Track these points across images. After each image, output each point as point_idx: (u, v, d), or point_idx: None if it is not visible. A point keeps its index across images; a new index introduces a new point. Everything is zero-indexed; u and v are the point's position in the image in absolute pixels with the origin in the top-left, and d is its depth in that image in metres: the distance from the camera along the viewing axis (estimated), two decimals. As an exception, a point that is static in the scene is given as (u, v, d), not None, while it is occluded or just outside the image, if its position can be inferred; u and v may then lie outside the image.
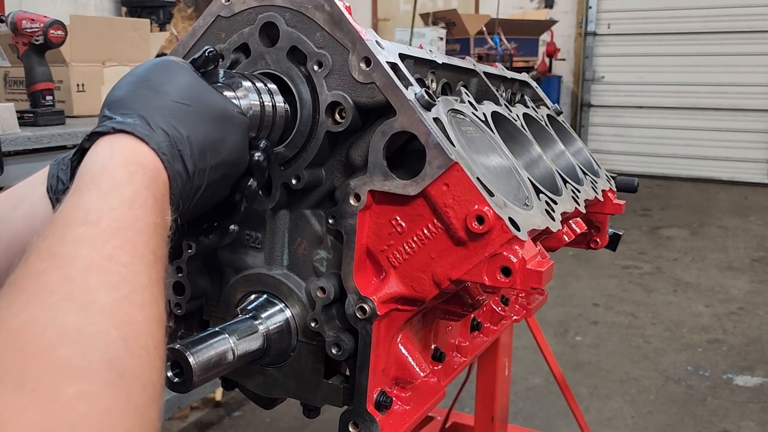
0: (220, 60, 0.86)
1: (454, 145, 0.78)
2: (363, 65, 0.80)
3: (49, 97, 2.53)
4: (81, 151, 0.65)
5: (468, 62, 1.19)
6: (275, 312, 0.87)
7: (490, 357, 1.78)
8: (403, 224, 0.79)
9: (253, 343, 0.82)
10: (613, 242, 1.48)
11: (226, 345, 0.79)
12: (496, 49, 6.80)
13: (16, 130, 2.28)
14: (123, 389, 0.46)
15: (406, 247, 0.80)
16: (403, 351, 0.89)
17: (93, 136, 0.65)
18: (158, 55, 3.04)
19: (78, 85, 2.85)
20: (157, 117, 0.66)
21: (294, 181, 0.85)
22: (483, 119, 1.00)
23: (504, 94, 1.34)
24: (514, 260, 0.74)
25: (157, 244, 0.58)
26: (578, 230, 1.27)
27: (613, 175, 1.51)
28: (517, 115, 1.20)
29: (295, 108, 0.84)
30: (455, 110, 0.93)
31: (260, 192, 0.87)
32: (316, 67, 0.82)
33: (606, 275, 5.02)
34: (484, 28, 7.00)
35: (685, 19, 8.50)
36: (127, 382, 0.46)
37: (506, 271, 0.74)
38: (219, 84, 0.78)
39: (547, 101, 1.53)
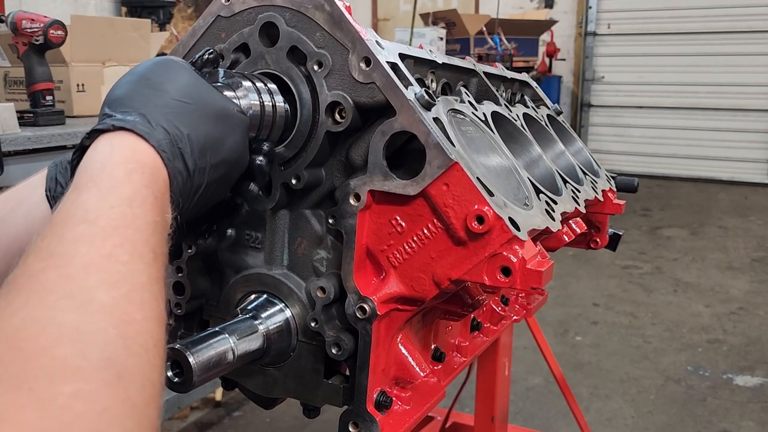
0: (220, 60, 0.87)
1: (454, 145, 0.78)
2: (363, 65, 0.80)
3: (49, 97, 2.53)
4: (81, 150, 0.65)
5: (468, 62, 1.19)
6: (275, 312, 0.87)
7: (490, 357, 1.78)
8: (403, 224, 0.79)
9: (253, 343, 0.82)
10: (613, 242, 1.48)
11: (226, 345, 0.79)
12: (496, 49, 6.80)
13: (16, 130, 2.28)
14: (121, 388, 0.45)
15: (406, 247, 0.80)
16: (403, 351, 0.89)
17: (93, 134, 0.65)
18: (158, 55, 3.03)
19: (78, 85, 2.85)
20: (157, 115, 0.66)
21: (294, 181, 0.85)
22: (483, 119, 1.00)
23: (504, 94, 1.34)
24: (514, 260, 0.74)
25: (157, 242, 0.58)
26: (578, 230, 1.27)
27: (613, 175, 1.51)
28: (517, 115, 1.20)
29: (295, 108, 0.84)
30: (455, 110, 0.93)
31: (260, 192, 0.87)
32: (316, 67, 0.82)
33: (606, 275, 5.02)
34: (484, 28, 7.00)
35: (685, 19, 8.50)
36: (125, 381, 0.46)
37: (506, 271, 0.74)
38: (219, 84, 0.78)
39: (547, 101, 1.53)
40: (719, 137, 8.60)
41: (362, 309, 0.80)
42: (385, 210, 0.80)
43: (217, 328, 0.80)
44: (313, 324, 0.85)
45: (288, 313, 0.87)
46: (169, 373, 0.74)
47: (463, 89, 1.03)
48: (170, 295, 0.95)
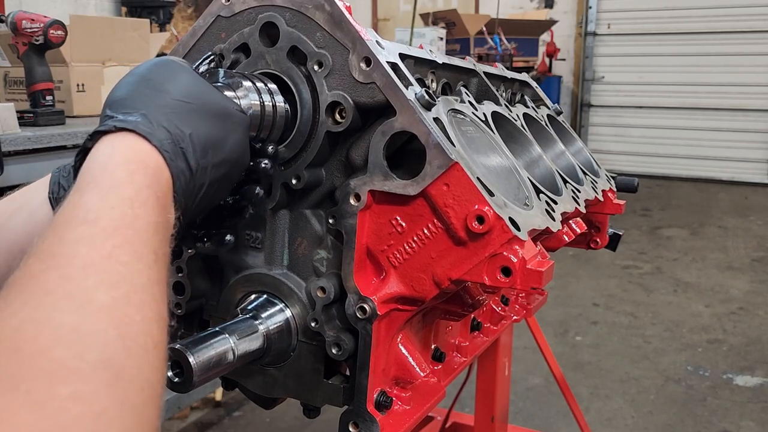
0: (221, 60, 0.87)
1: (454, 145, 0.78)
2: (363, 65, 0.80)
3: (49, 97, 2.53)
4: (84, 152, 0.66)
5: (468, 62, 1.19)
6: (275, 312, 0.87)
7: (490, 357, 1.78)
8: (404, 224, 0.79)
9: (253, 343, 0.82)
10: (613, 242, 1.48)
11: (226, 345, 0.79)
12: (496, 49, 6.80)
13: (16, 130, 2.27)
14: (119, 390, 0.45)
15: (407, 247, 0.80)
16: (403, 351, 0.89)
17: (95, 136, 0.65)
18: (158, 55, 3.04)
19: (78, 85, 2.85)
20: (158, 115, 0.66)
21: (294, 181, 0.85)
22: (483, 119, 1.00)
23: (504, 94, 1.34)
24: (514, 260, 0.74)
25: (158, 243, 0.58)
26: (578, 230, 1.27)
27: (613, 175, 1.51)
28: (517, 115, 1.20)
29: (295, 108, 0.84)
30: (455, 110, 0.93)
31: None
32: (316, 67, 0.82)
33: (606, 275, 5.02)
34: (484, 28, 7.00)
35: (685, 19, 8.50)
36: (123, 383, 0.46)
37: (506, 271, 0.74)
38: (219, 84, 0.78)
39: (547, 101, 1.53)
40: (719, 137, 8.60)
41: (362, 309, 0.80)
42: (385, 210, 0.80)
43: (217, 328, 0.80)
44: (313, 324, 0.85)
45: (288, 313, 0.87)
46: (170, 373, 0.74)
47: (463, 89, 1.03)
48: (170, 295, 0.95)
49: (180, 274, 0.94)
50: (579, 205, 1.11)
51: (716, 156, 8.63)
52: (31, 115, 2.48)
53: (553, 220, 0.92)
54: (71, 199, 0.57)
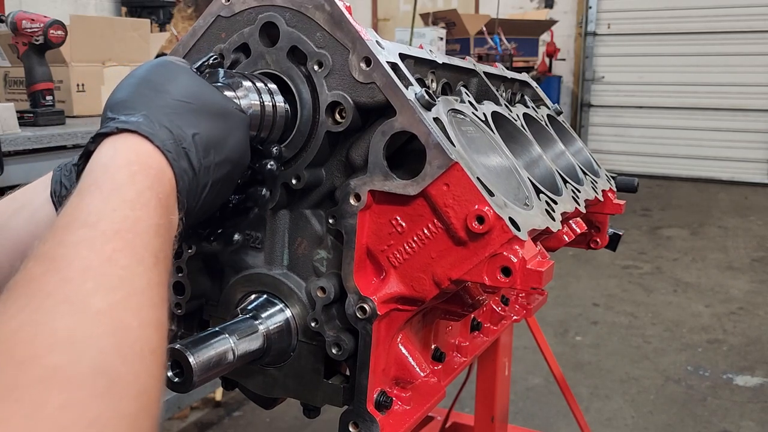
0: (222, 60, 0.87)
1: (454, 145, 0.78)
2: (363, 65, 0.80)
3: (49, 97, 2.53)
4: (86, 154, 0.65)
5: (468, 62, 1.19)
6: (275, 312, 0.87)
7: (490, 357, 1.78)
8: (404, 224, 0.79)
9: (253, 343, 0.82)
10: (613, 242, 1.48)
11: (226, 345, 0.79)
12: (496, 49, 6.80)
13: (16, 130, 2.27)
14: (112, 398, 0.45)
15: (407, 247, 0.80)
16: (403, 351, 0.89)
17: (97, 138, 0.65)
18: (158, 55, 3.04)
19: (78, 85, 2.85)
20: (160, 115, 0.66)
21: (294, 181, 0.85)
22: (483, 119, 1.00)
23: (504, 94, 1.34)
24: (515, 260, 0.74)
25: (160, 246, 0.58)
26: (578, 230, 1.27)
27: (613, 175, 1.51)
28: (517, 115, 1.20)
29: (295, 108, 0.84)
30: (455, 110, 0.93)
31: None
32: (316, 67, 0.82)
33: (606, 275, 5.02)
34: (484, 28, 7.00)
35: (685, 19, 8.50)
36: (117, 390, 0.45)
37: (506, 271, 0.74)
38: (219, 84, 0.78)
39: (547, 101, 1.53)
40: (719, 137, 8.60)
41: (362, 309, 0.80)
42: (385, 210, 0.80)
43: (217, 328, 0.80)
44: (313, 324, 0.85)
45: (288, 313, 0.87)
46: (170, 373, 0.74)
47: (463, 89, 1.03)
48: (170, 295, 0.95)
49: (180, 274, 0.94)
50: (579, 205, 1.11)
51: (716, 156, 8.63)
52: (31, 115, 2.48)
53: (553, 220, 0.92)
54: (72, 201, 0.57)
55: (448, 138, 0.78)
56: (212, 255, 0.94)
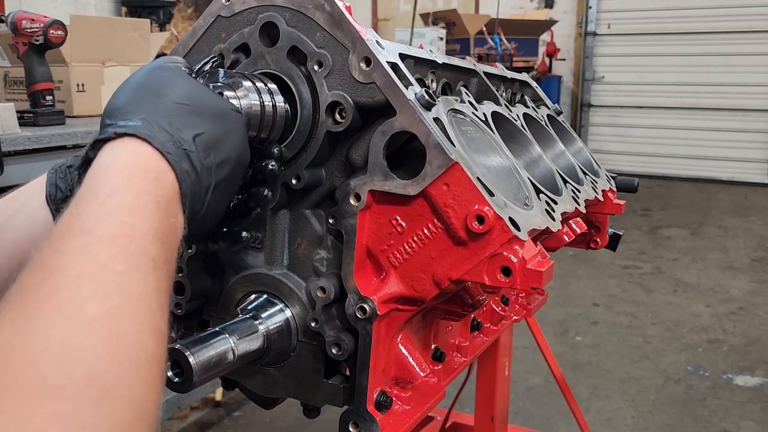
0: (222, 61, 0.87)
1: (454, 145, 0.78)
2: (363, 65, 0.80)
3: (49, 97, 2.53)
4: (86, 162, 0.65)
5: (468, 62, 1.19)
6: (275, 312, 0.87)
7: (490, 357, 1.78)
8: (404, 224, 0.79)
9: (253, 343, 0.82)
10: (613, 242, 1.48)
11: (226, 345, 0.79)
12: (496, 49, 6.80)
13: (16, 130, 2.27)
14: (104, 407, 0.44)
15: (407, 247, 0.80)
16: (403, 351, 0.89)
17: (96, 145, 0.64)
18: (158, 55, 3.04)
19: (78, 85, 2.85)
20: (158, 118, 0.66)
21: (294, 181, 0.85)
22: (483, 119, 1.00)
23: (504, 94, 1.34)
24: (515, 260, 0.74)
25: (158, 250, 0.57)
26: (578, 230, 1.27)
27: (613, 175, 1.51)
28: (517, 115, 1.20)
29: (295, 108, 0.84)
30: (455, 110, 0.93)
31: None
32: (316, 67, 0.82)
33: (606, 275, 5.02)
34: (484, 28, 7.00)
35: (685, 19, 8.50)
36: (109, 400, 0.45)
37: (506, 271, 0.74)
38: (219, 84, 0.78)
39: (547, 101, 1.53)
40: (719, 137, 8.60)
41: (362, 309, 0.80)
42: (385, 210, 0.80)
43: (217, 328, 0.80)
44: (313, 324, 0.85)
45: (288, 313, 0.87)
46: (170, 373, 0.74)
47: (463, 89, 1.03)
48: (170, 295, 0.95)
49: (180, 274, 0.94)
50: (579, 205, 1.11)
51: (716, 156, 8.63)
52: (31, 115, 2.48)
53: (553, 220, 0.92)
54: (69, 210, 0.56)
55: (448, 138, 0.78)
56: (212, 255, 0.94)
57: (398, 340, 0.88)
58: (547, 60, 8.61)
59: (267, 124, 0.81)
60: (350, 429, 0.83)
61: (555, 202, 0.98)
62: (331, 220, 0.85)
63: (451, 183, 0.75)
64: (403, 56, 0.89)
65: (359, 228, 0.80)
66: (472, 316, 1.12)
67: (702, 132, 8.69)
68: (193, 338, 0.77)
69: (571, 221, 1.27)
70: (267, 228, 0.90)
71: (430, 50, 1.05)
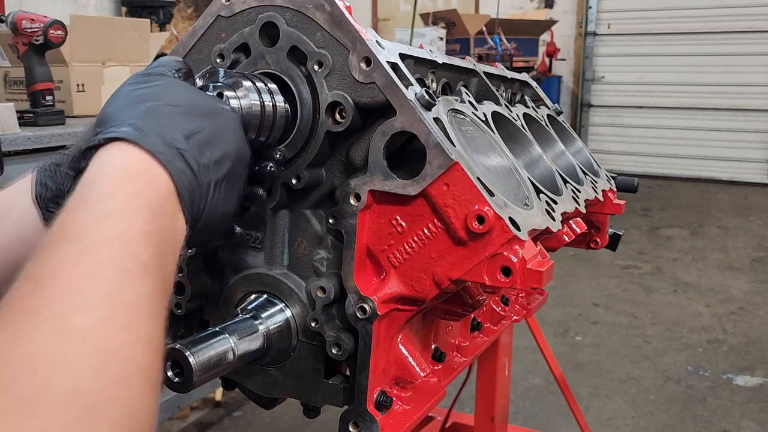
0: (221, 60, 0.87)
1: (454, 145, 0.78)
2: (363, 65, 0.80)
3: (49, 97, 2.53)
4: (78, 172, 0.64)
5: (468, 62, 1.19)
6: (275, 312, 0.87)
7: (490, 357, 1.78)
8: (404, 224, 0.79)
9: (253, 343, 0.82)
10: (613, 242, 1.48)
11: (227, 345, 0.79)
12: (496, 49, 6.80)
13: (16, 130, 2.28)
14: (88, 423, 0.43)
15: (407, 247, 0.80)
16: (404, 351, 0.89)
17: (86, 153, 0.63)
18: (158, 55, 3.04)
19: (78, 85, 2.85)
20: (148, 121, 0.64)
21: (294, 181, 0.85)
22: (483, 119, 1.00)
23: (504, 94, 1.34)
24: (515, 260, 0.74)
25: (151, 255, 0.55)
26: (578, 230, 1.27)
27: (613, 175, 1.50)
28: (517, 115, 1.20)
29: (295, 108, 0.84)
30: (455, 110, 0.93)
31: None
32: (316, 67, 0.82)
33: (606, 275, 5.02)
34: (484, 28, 7.00)
35: (685, 19, 8.50)
36: (94, 415, 0.43)
37: (506, 271, 0.74)
38: (219, 84, 0.78)
39: (547, 101, 1.53)
40: (719, 137, 8.60)
41: (362, 309, 0.80)
42: (385, 210, 0.80)
43: (217, 328, 0.80)
44: (313, 324, 0.85)
45: (288, 313, 0.87)
46: (170, 373, 0.74)
47: (463, 89, 1.03)
48: (170, 296, 0.95)
49: (180, 274, 0.94)
50: (579, 205, 1.11)
51: (716, 156, 8.63)
52: (31, 115, 2.48)
53: (553, 220, 0.92)
54: (59, 218, 0.55)
55: (448, 138, 0.78)
56: (212, 255, 0.94)
57: (398, 340, 0.88)
58: (547, 60, 8.61)
59: (267, 123, 0.81)
60: (350, 429, 0.83)
61: (555, 202, 0.98)
62: (331, 220, 0.85)
63: (451, 183, 0.75)
64: (403, 56, 0.89)
65: (359, 228, 0.80)
66: (472, 316, 1.12)
67: (702, 132, 8.69)
68: (193, 338, 0.77)
69: (571, 221, 1.27)
70: (267, 228, 0.90)
71: (430, 50, 1.05)
